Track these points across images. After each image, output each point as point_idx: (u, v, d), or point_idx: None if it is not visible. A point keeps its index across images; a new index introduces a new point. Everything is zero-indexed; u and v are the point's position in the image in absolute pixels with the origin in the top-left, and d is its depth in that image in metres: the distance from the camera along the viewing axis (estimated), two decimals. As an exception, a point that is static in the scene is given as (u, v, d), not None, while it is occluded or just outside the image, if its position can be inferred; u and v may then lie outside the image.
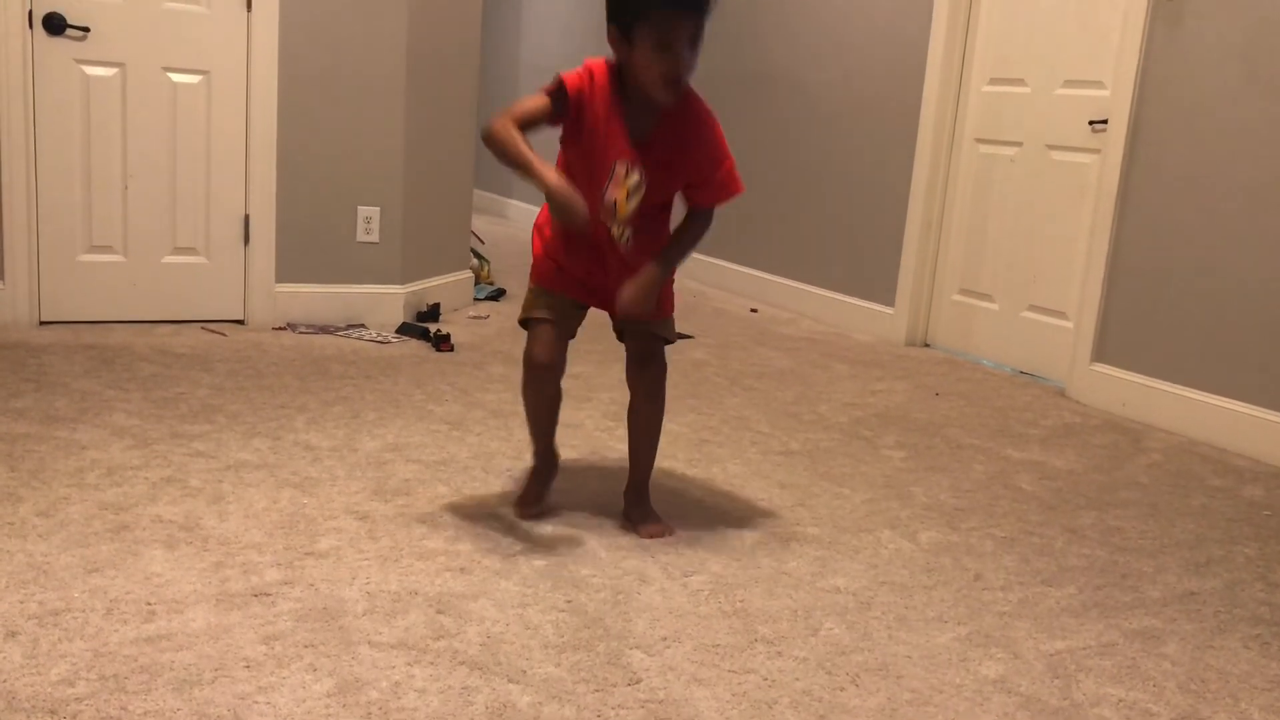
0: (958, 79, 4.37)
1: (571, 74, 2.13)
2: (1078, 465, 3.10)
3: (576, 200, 1.99)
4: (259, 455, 2.69)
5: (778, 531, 2.44)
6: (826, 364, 4.12)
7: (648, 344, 2.36)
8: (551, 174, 2.01)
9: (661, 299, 2.27)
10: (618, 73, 2.14)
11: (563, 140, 2.22)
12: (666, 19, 2.01)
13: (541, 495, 2.45)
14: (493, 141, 2.05)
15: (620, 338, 2.39)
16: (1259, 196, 3.29)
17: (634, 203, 2.13)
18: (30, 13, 3.59)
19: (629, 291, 2.17)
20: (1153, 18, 3.54)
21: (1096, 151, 3.83)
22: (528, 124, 2.08)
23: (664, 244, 2.27)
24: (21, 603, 1.88)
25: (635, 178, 2.13)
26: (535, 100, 2.11)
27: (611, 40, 2.10)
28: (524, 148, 2.02)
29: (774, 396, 3.59)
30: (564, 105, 2.12)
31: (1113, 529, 2.62)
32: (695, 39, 2.06)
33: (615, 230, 2.19)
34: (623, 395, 2.53)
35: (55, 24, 3.62)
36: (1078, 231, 3.92)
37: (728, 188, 2.23)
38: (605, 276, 2.27)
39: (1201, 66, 3.42)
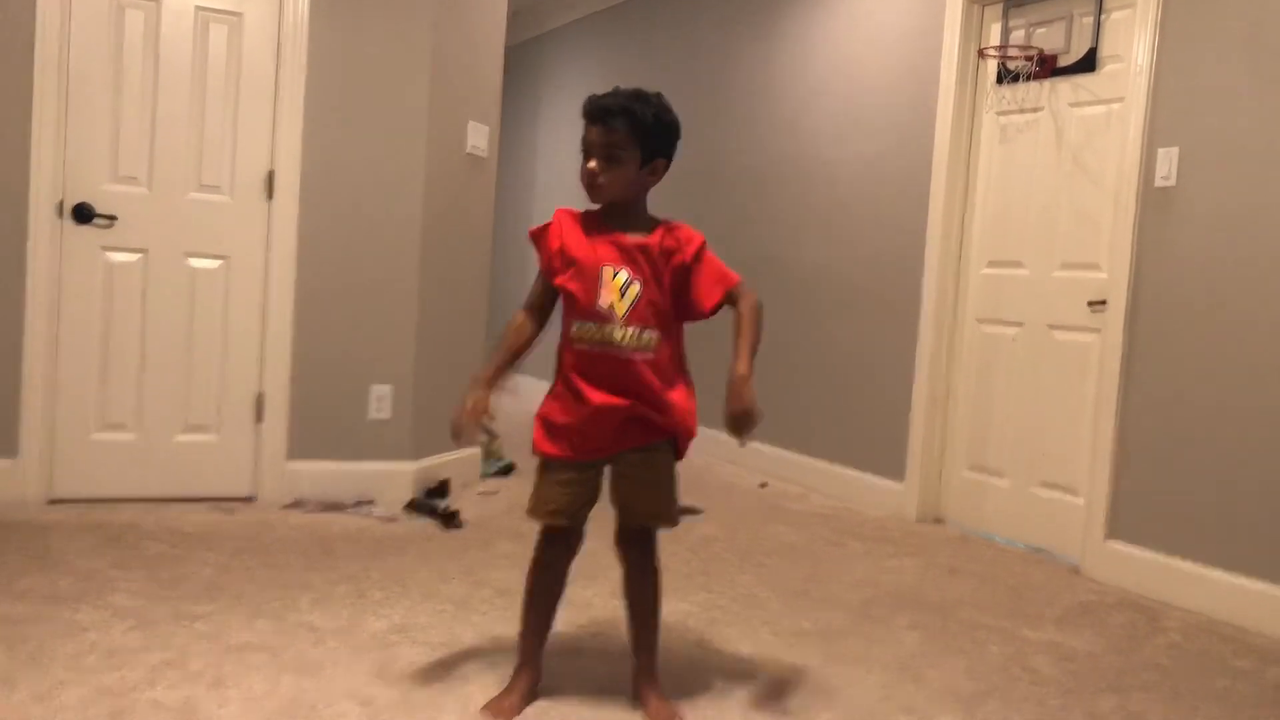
0: (956, 262, 4.49)
1: (536, 229, 2.33)
2: (1095, 646, 3.03)
3: (459, 418, 2.27)
4: (261, 637, 2.65)
5: (791, 717, 2.37)
6: (838, 540, 4.08)
7: (638, 526, 2.37)
8: (485, 370, 2.31)
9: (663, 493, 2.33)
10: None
11: (561, 281, 2.31)
12: (585, 129, 2.27)
13: (519, 708, 2.32)
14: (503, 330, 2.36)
15: (619, 516, 2.37)
16: (1263, 371, 3.33)
17: (629, 300, 2.24)
18: (61, 203, 3.74)
19: (733, 406, 2.18)
20: (1143, 204, 3.66)
21: (1097, 331, 3.90)
22: (540, 300, 2.34)
23: (679, 352, 2.35)
24: (11, 794, 1.83)
25: (623, 275, 2.25)
26: (537, 278, 2.35)
27: None
28: (499, 348, 2.33)
29: (785, 574, 3.55)
30: (549, 258, 2.30)
31: (1134, 714, 2.54)
32: (610, 150, 2.23)
33: (620, 334, 2.23)
34: (631, 575, 2.50)
35: (84, 214, 3.77)
36: (1083, 409, 3.95)
37: (725, 278, 2.31)
38: (618, 418, 2.27)
39: (1191, 250, 3.52)
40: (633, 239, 2.27)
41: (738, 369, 2.19)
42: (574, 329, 2.26)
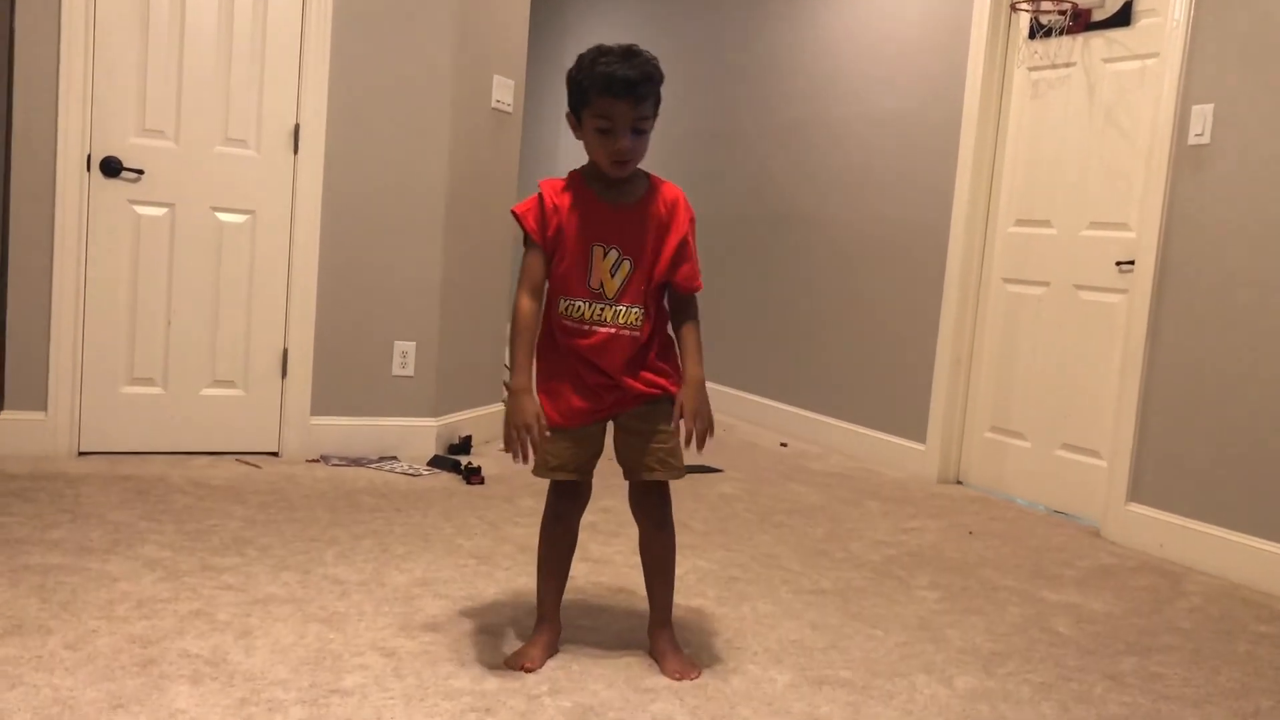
0: (984, 220, 4.44)
1: (524, 206, 2.26)
2: (1116, 608, 3.03)
3: (524, 407, 2.17)
4: (288, 589, 2.68)
5: (809, 674, 2.39)
6: (858, 500, 4.09)
7: (646, 482, 2.36)
8: (520, 378, 2.20)
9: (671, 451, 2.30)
10: (579, 171, 2.28)
11: (551, 257, 2.27)
12: (606, 104, 2.15)
13: (541, 661, 2.33)
14: (511, 324, 2.25)
15: (626, 476, 2.37)
16: (1290, 337, 3.29)
17: (620, 279, 2.24)
18: (89, 156, 3.76)
19: (688, 408, 2.22)
20: (1175, 162, 3.61)
21: (1124, 292, 3.86)
22: (540, 283, 2.26)
23: (664, 322, 2.32)
24: (45, 739, 1.87)
25: (613, 254, 2.24)
26: (530, 259, 2.26)
27: (570, 125, 2.25)
28: (519, 348, 2.21)
29: (805, 534, 3.56)
30: (543, 237, 2.24)
31: (1154, 676, 2.55)
32: (638, 124, 2.17)
33: (610, 312, 2.24)
34: (652, 532, 2.51)
35: (112, 167, 3.78)
36: (1108, 371, 3.92)
37: (696, 275, 2.31)
38: (616, 390, 2.28)
39: (1224, 210, 3.47)
40: (625, 212, 2.26)
41: (698, 372, 2.26)
42: (561, 305, 2.26)
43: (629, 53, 2.16)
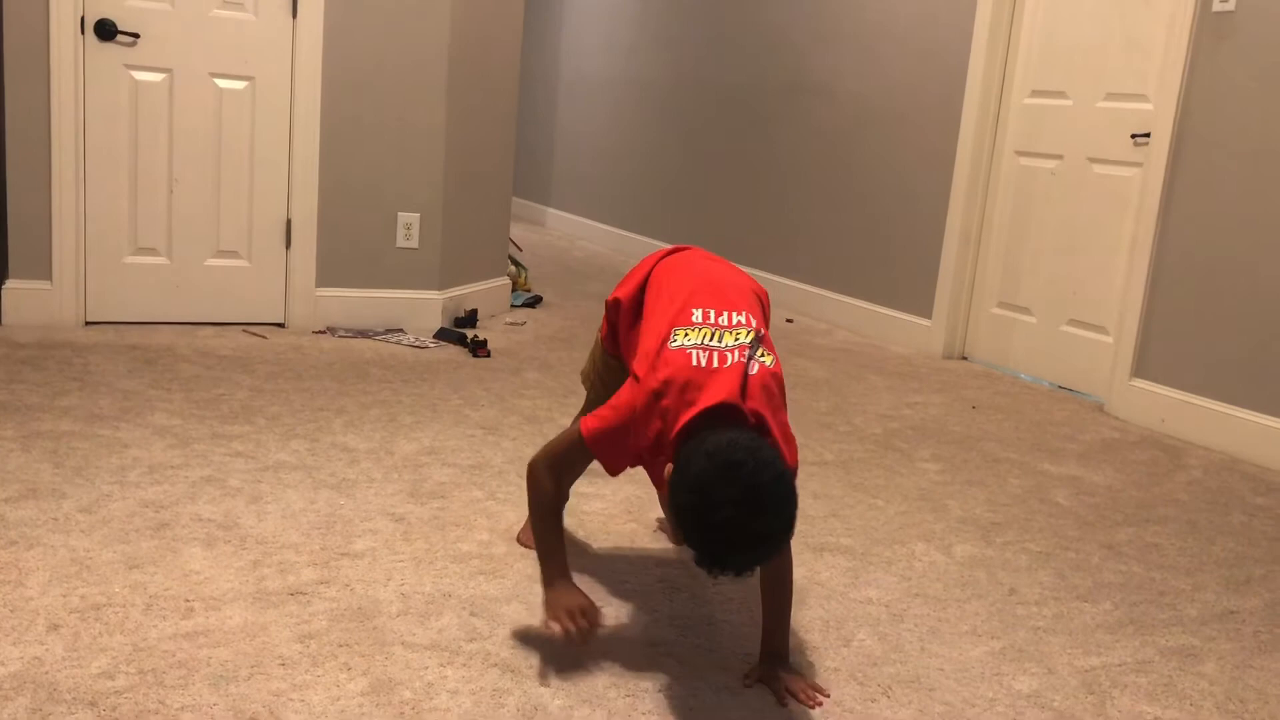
0: (998, 91, 4.34)
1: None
2: (1115, 481, 3.07)
3: (573, 595, 1.84)
4: (297, 456, 2.72)
5: (810, 541, 2.44)
6: (862, 375, 4.10)
7: None
8: (556, 566, 1.88)
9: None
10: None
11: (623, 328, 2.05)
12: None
13: None
14: (535, 507, 1.89)
15: None
16: (1305, 212, 3.24)
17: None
18: (82, 19, 3.66)
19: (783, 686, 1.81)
20: (1198, 31, 3.51)
21: (1139, 165, 3.80)
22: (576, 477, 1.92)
23: None
24: (64, 596, 1.92)
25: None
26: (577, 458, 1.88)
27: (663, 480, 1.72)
28: (552, 533, 1.89)
29: (809, 407, 3.59)
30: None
31: (1150, 546, 2.59)
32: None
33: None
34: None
35: (106, 30, 3.69)
36: (1119, 246, 3.89)
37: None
38: None
39: (1247, 81, 3.39)
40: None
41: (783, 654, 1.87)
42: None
43: (752, 536, 1.60)
